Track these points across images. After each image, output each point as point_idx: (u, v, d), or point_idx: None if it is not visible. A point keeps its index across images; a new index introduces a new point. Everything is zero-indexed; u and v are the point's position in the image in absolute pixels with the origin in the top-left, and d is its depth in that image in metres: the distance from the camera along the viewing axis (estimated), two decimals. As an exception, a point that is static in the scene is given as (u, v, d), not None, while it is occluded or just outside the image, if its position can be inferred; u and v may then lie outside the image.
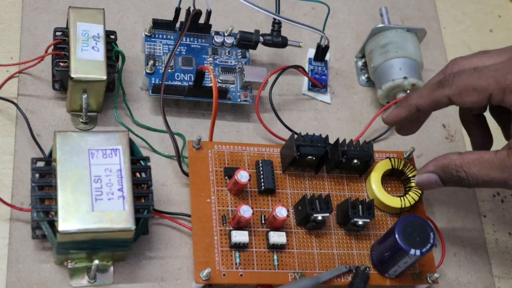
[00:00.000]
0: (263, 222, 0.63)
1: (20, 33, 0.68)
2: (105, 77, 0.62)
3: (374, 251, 0.64)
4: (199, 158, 0.64)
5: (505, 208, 0.73)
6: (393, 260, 0.61)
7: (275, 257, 0.62)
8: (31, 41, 0.68)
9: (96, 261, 0.57)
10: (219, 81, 0.69)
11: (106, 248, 0.57)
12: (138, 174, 0.59)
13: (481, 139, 0.66)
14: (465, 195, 0.72)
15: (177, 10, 0.69)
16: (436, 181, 0.62)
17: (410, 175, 0.67)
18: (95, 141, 0.57)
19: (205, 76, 0.67)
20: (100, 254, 0.58)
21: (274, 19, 0.71)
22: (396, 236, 0.60)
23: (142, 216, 0.57)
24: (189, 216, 0.63)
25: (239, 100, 0.69)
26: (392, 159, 0.67)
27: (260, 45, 0.71)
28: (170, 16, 0.70)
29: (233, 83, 0.69)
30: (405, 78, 0.71)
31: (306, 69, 0.74)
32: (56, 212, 0.55)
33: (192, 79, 0.68)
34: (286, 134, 0.68)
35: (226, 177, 0.64)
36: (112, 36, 0.65)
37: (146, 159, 0.60)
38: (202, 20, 0.69)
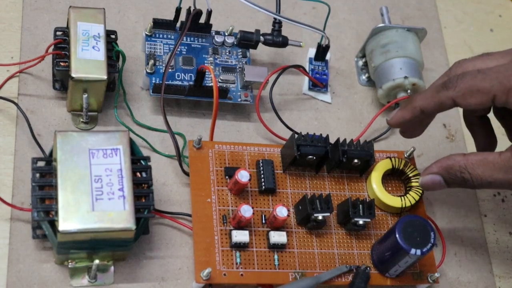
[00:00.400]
0: (263, 221, 0.63)
1: (20, 33, 0.68)
2: (105, 77, 0.62)
3: (375, 251, 0.64)
4: (199, 157, 0.64)
5: (505, 207, 0.73)
6: (393, 259, 0.61)
7: (276, 256, 0.62)
8: (32, 41, 0.68)
9: (97, 261, 0.57)
10: (220, 80, 0.69)
11: (106, 247, 0.57)
12: (138, 174, 0.59)
13: (485, 141, 0.66)
14: (465, 194, 0.72)
15: (178, 10, 0.69)
16: (440, 182, 0.61)
17: (410, 175, 0.67)
18: (96, 141, 0.57)
19: (206, 75, 0.67)
20: (101, 254, 0.58)
21: (275, 18, 0.71)
22: (397, 235, 0.60)
23: (142, 216, 0.57)
24: (189, 215, 0.63)
25: (239, 99, 0.69)
26: (393, 159, 0.67)
27: (260, 45, 0.71)
28: (170, 16, 0.70)
29: (234, 83, 0.69)
30: (405, 77, 0.71)
31: (307, 69, 0.74)
32: (56, 212, 0.55)
33: (193, 79, 0.68)
34: (287, 134, 0.68)
35: (227, 177, 0.64)
36: (113, 36, 0.65)
37: (147, 158, 0.60)
38: (202, 19, 0.69)
